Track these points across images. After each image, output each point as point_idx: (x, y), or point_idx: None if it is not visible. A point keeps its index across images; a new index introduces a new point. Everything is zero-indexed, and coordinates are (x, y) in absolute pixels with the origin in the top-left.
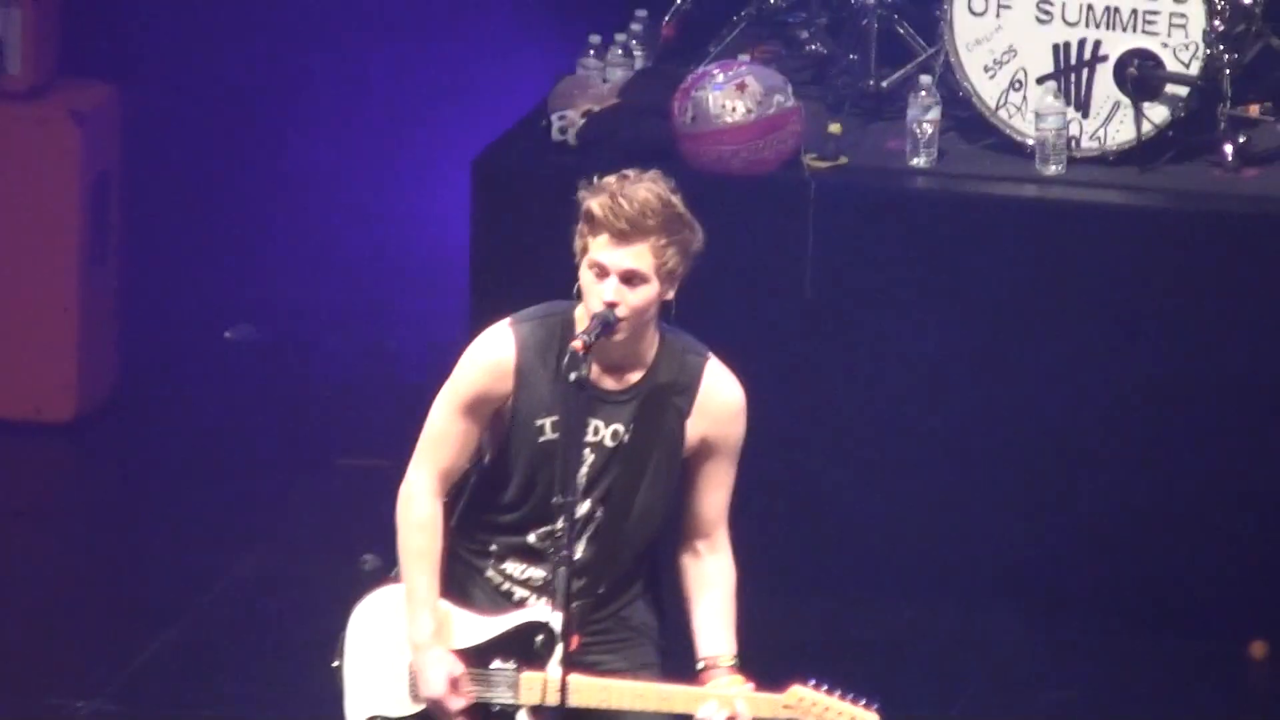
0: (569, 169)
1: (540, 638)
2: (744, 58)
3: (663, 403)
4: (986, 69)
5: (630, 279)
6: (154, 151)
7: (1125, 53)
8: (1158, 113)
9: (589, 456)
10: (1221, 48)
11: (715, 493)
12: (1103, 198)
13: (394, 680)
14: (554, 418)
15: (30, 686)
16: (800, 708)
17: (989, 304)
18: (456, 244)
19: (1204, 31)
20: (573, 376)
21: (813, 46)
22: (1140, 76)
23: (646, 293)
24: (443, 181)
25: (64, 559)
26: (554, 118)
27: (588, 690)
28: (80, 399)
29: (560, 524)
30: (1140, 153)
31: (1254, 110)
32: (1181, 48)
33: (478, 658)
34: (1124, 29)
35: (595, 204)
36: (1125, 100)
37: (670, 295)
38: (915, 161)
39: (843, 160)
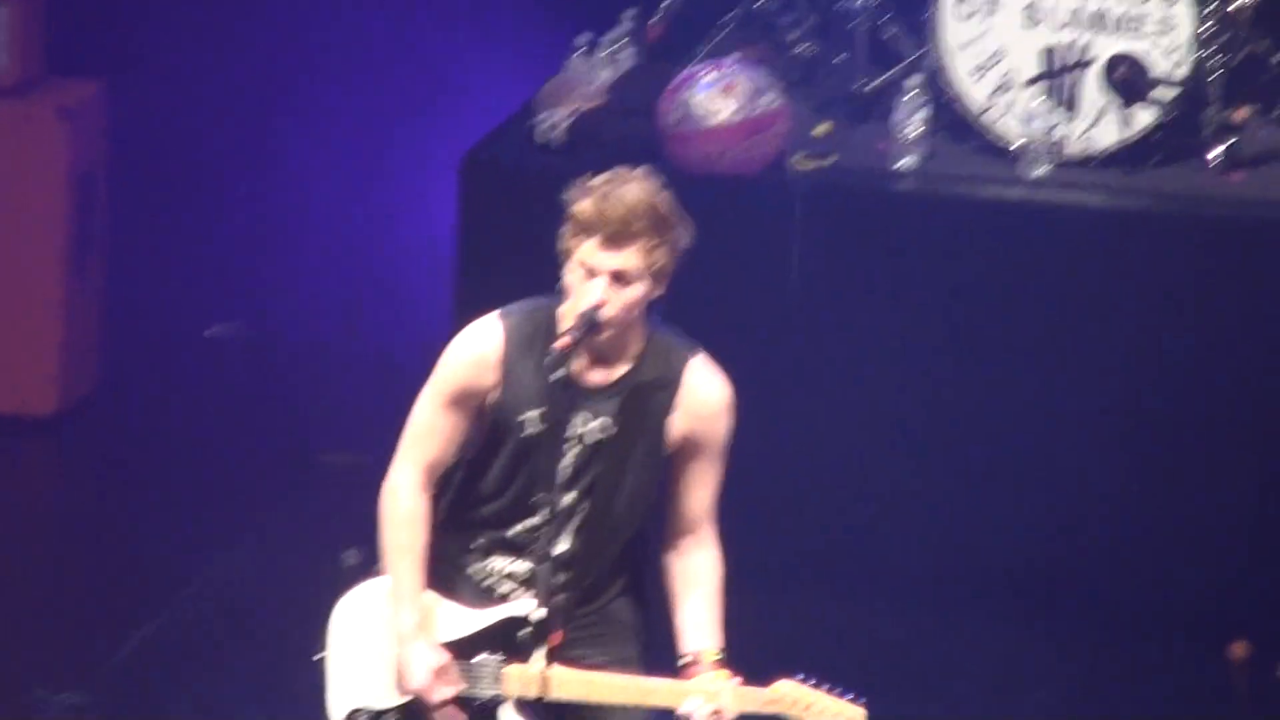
0: (556, 168)
1: (524, 631)
2: (731, 58)
3: (647, 398)
4: (974, 71)
5: (619, 279)
6: (140, 149)
7: (1113, 56)
8: (1145, 116)
9: (573, 451)
10: (1208, 51)
11: (700, 489)
12: (1089, 200)
13: (378, 673)
14: (538, 412)
15: (9, 680)
16: (786, 703)
17: (975, 305)
18: (443, 242)
19: (1191, 35)
20: (552, 377)
21: (801, 48)
22: (1128, 80)
23: (634, 293)
24: (430, 180)
25: (43, 553)
26: (541, 117)
27: (571, 684)
28: (62, 394)
29: (544, 518)
30: (1127, 156)
31: (1241, 114)
32: (1169, 51)
33: (462, 651)
34: (1112, 32)
35: (583, 206)
36: (1113, 103)
37: (659, 293)
38: (903, 163)
39: (830, 161)
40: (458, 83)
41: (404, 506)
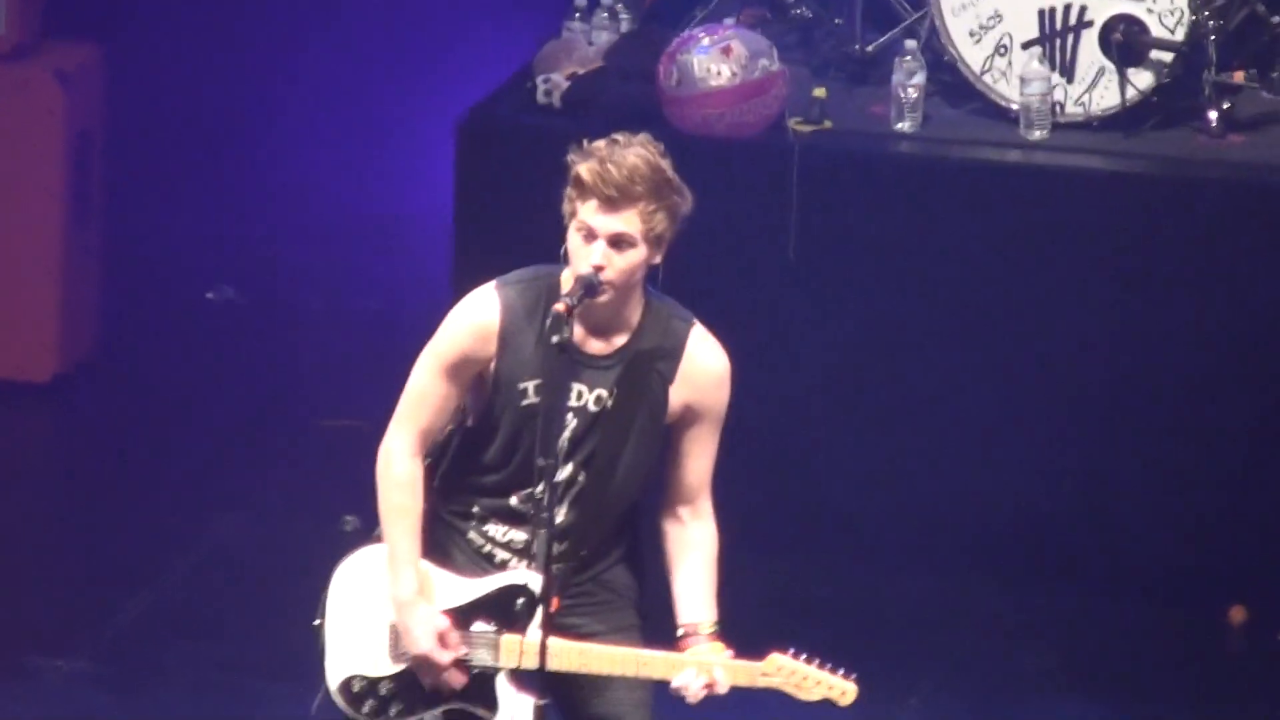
0: (553, 132)
1: (521, 600)
2: (729, 21)
3: (647, 368)
4: (972, 34)
5: (618, 243)
6: (138, 112)
7: (1111, 18)
8: (1143, 78)
9: (572, 420)
10: (1207, 13)
11: (698, 459)
12: (1087, 163)
13: (375, 640)
14: (537, 381)
15: (8, 646)
16: (779, 676)
17: (972, 268)
18: (441, 206)
19: None
20: (555, 339)
21: (798, 10)
22: (1125, 42)
23: (633, 257)
24: (427, 143)
25: (42, 518)
26: (539, 80)
27: (567, 654)
28: (60, 358)
29: (542, 487)
30: (1125, 118)
31: (1239, 76)
32: (1167, 13)
33: (459, 619)
34: None
35: (584, 169)
36: (1110, 66)
37: (657, 260)
38: (900, 126)
39: (827, 124)
40: (457, 45)
41: (399, 470)
